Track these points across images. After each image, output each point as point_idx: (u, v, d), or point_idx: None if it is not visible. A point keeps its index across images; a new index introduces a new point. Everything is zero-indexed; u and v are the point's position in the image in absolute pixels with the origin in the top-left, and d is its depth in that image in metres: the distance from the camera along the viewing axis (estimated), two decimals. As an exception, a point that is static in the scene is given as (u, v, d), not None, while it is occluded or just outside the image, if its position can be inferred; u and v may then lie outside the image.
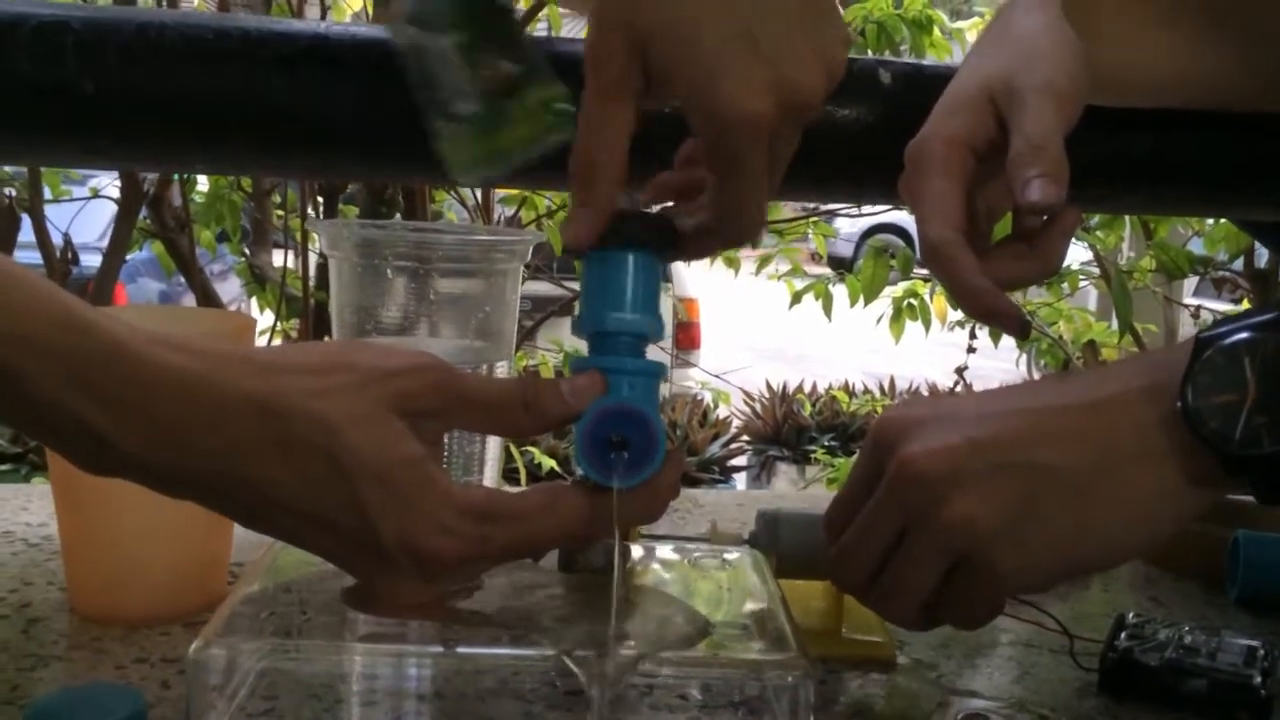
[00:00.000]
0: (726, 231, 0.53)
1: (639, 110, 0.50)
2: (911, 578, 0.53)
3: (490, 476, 0.65)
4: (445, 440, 0.56)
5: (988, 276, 0.55)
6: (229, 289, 3.03)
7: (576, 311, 0.53)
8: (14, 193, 1.61)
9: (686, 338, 4.44)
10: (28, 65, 0.71)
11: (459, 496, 0.47)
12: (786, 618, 0.55)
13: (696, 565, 0.62)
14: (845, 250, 8.08)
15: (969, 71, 0.61)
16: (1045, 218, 0.58)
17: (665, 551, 0.63)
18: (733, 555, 0.63)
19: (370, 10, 1.70)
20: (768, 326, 5.80)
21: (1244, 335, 0.51)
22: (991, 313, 0.56)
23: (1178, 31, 0.67)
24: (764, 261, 2.15)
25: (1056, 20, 0.61)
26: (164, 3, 1.51)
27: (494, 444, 0.66)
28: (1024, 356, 2.60)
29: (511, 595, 0.55)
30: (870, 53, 1.72)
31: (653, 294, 0.52)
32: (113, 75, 0.72)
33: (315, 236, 1.62)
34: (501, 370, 0.66)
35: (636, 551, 0.62)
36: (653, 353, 0.54)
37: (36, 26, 0.71)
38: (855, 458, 0.58)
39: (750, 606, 0.59)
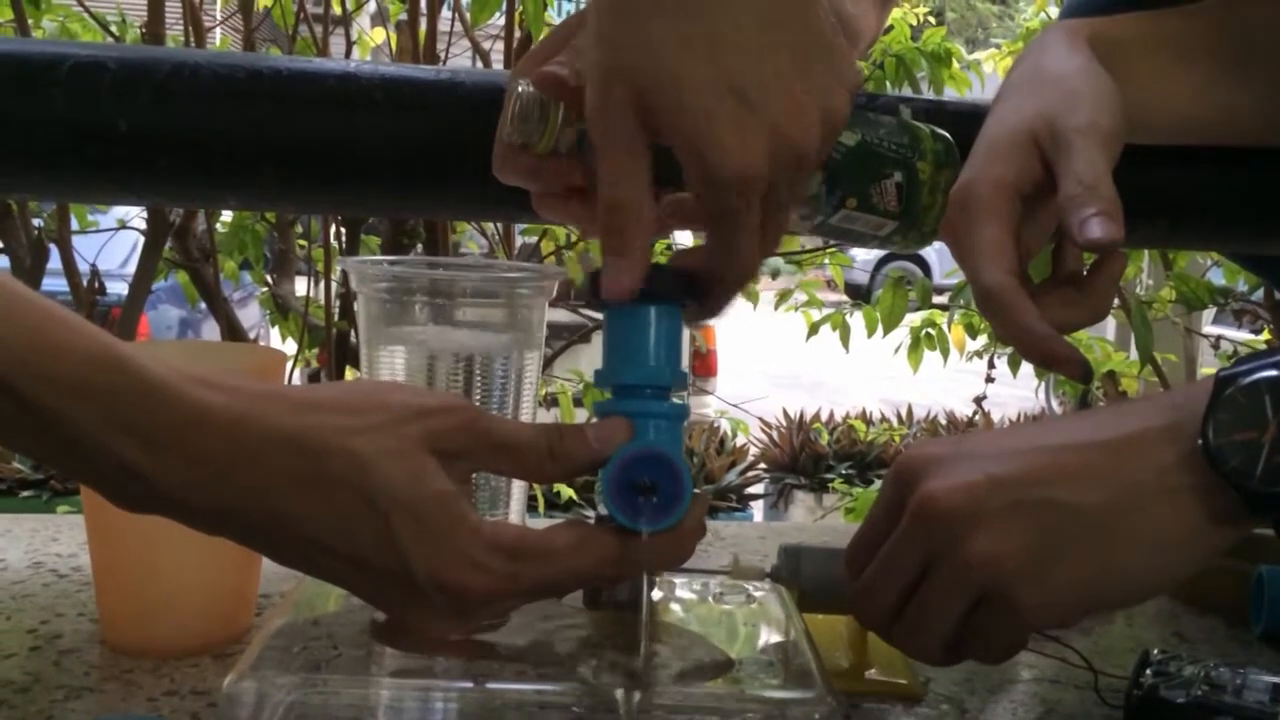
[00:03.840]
0: (726, 278, 0.52)
1: (652, 159, 0.50)
2: (934, 614, 0.54)
3: (516, 511, 0.66)
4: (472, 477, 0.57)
5: None
6: (248, 315, 3.05)
7: (601, 365, 0.53)
8: (41, 224, 1.63)
9: (703, 365, 4.44)
10: (64, 104, 0.73)
11: (489, 533, 0.47)
12: (812, 654, 0.55)
13: (720, 600, 0.63)
14: (861, 278, 8.08)
15: (1008, 113, 0.61)
16: (1088, 264, 0.58)
17: (686, 589, 0.64)
18: (757, 590, 0.63)
19: (394, 45, 1.72)
20: (784, 353, 5.80)
21: (1264, 374, 0.51)
22: (1054, 358, 0.56)
23: (1199, 72, 0.68)
24: (783, 296, 2.15)
25: (1091, 62, 0.62)
26: (193, 42, 1.53)
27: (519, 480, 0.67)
28: (1043, 386, 2.59)
29: (538, 630, 0.56)
30: (890, 86, 1.73)
31: (675, 346, 0.52)
32: (147, 114, 0.74)
33: (337, 266, 1.64)
34: (531, 361, 0.66)
35: (656, 594, 0.62)
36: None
37: (74, 66, 0.73)
38: (876, 494, 0.58)
39: (775, 642, 0.59)
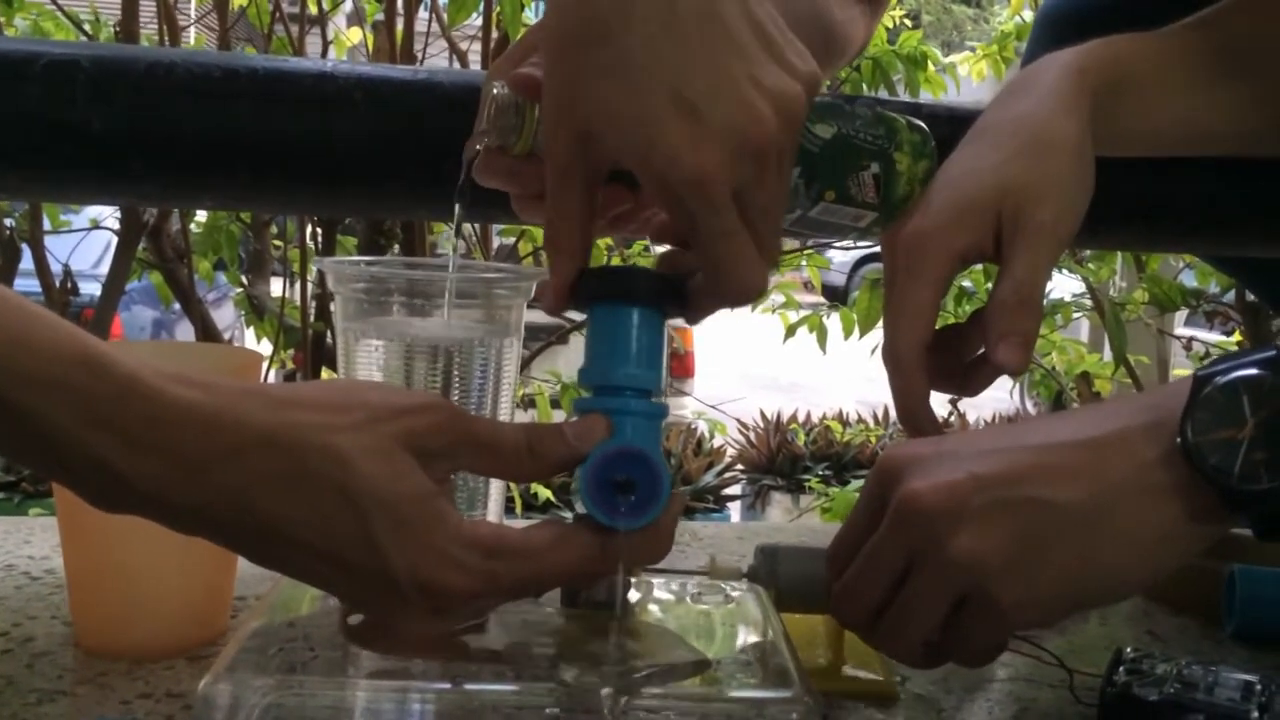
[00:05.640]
0: (720, 292, 0.52)
1: (596, 186, 0.52)
2: (916, 614, 0.54)
3: (494, 511, 0.66)
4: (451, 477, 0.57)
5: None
6: (222, 316, 3.04)
7: (582, 364, 0.54)
8: (13, 224, 1.61)
9: (680, 366, 4.44)
10: (38, 103, 0.72)
11: (469, 532, 0.47)
12: (790, 654, 0.55)
13: (698, 600, 0.62)
14: (838, 280, 8.10)
15: (986, 166, 0.62)
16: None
17: (663, 589, 0.64)
18: (734, 590, 0.63)
19: (370, 45, 1.72)
20: (762, 355, 5.81)
21: (1242, 373, 0.52)
22: (917, 434, 0.60)
23: (1209, 91, 0.67)
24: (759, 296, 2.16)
25: (1084, 136, 0.62)
26: (167, 42, 1.52)
27: (497, 479, 0.66)
28: (1017, 388, 2.61)
29: (516, 631, 0.56)
30: (866, 88, 1.74)
31: (656, 348, 0.53)
32: (121, 113, 0.73)
33: (313, 267, 1.63)
34: (509, 361, 0.66)
35: (633, 594, 0.62)
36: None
37: (47, 64, 0.72)
38: (853, 494, 0.59)
39: (752, 642, 0.59)
